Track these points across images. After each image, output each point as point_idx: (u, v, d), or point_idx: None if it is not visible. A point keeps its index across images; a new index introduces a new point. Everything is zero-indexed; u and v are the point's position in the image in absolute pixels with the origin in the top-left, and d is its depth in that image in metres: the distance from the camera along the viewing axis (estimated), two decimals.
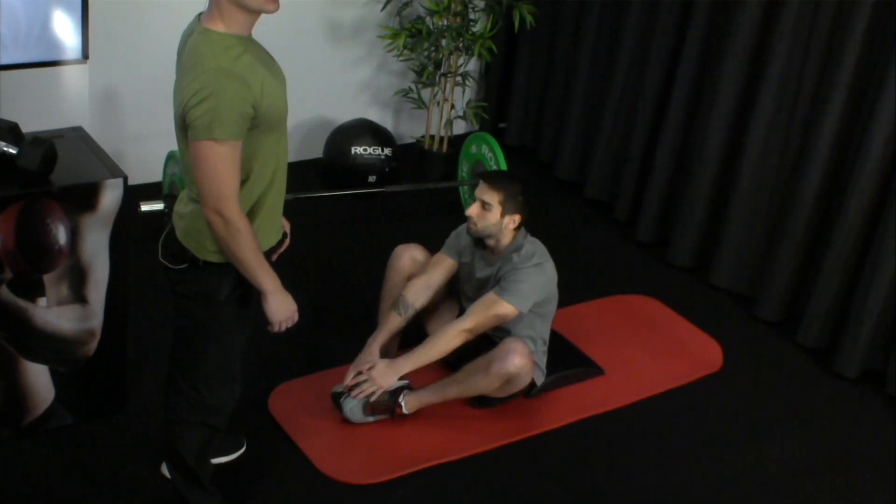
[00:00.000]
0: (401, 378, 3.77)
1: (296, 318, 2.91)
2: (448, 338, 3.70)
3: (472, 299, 3.87)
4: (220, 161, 2.58)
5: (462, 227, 3.95)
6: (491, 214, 3.70)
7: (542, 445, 3.78)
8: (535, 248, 3.79)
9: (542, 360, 3.90)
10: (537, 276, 3.73)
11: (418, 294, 3.88)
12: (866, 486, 3.78)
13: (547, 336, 3.91)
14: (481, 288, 3.84)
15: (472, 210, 3.73)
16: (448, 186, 5.50)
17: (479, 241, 3.84)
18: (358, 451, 3.61)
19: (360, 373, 3.70)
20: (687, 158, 5.09)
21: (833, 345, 4.49)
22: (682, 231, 5.09)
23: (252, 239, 2.68)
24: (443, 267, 3.93)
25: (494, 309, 3.70)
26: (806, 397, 4.27)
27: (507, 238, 3.76)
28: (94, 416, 3.60)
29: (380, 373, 3.68)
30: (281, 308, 2.84)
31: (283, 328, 2.89)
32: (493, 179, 3.75)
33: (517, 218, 3.74)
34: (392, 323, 3.86)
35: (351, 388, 3.69)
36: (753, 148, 4.71)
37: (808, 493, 3.71)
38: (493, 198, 3.69)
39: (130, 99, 5.05)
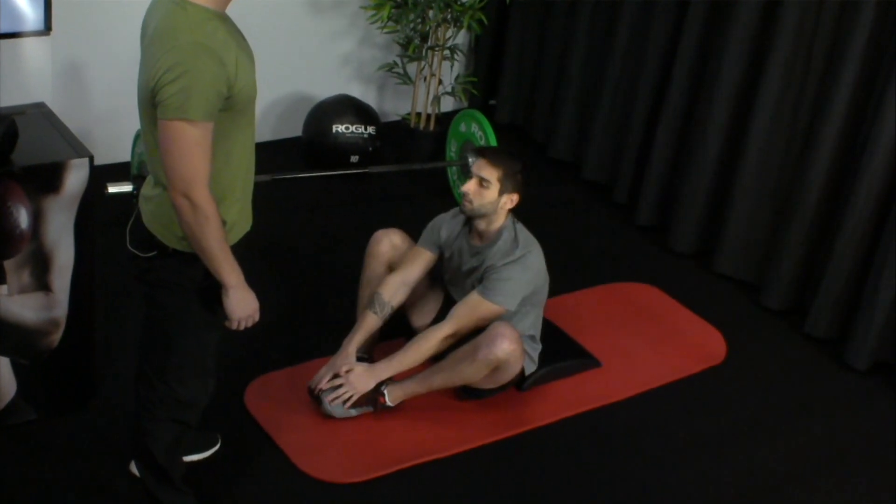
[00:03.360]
0: None
1: (257, 317, 2.89)
2: (430, 344, 3.70)
3: (458, 289, 3.87)
4: (192, 143, 2.57)
5: (439, 218, 3.94)
6: (488, 192, 3.69)
7: (534, 441, 3.79)
8: (520, 237, 3.77)
9: (535, 351, 3.91)
10: (522, 271, 3.72)
11: (394, 292, 3.86)
12: (877, 482, 3.80)
13: (539, 325, 3.92)
14: (467, 279, 3.84)
15: (469, 186, 3.71)
16: (435, 167, 5.50)
17: (466, 226, 3.84)
18: (339, 447, 3.62)
19: (336, 375, 3.69)
20: (690, 138, 5.10)
21: (843, 335, 4.51)
22: (683, 215, 5.10)
23: (219, 228, 2.67)
24: (420, 261, 3.91)
25: (479, 311, 3.70)
26: (814, 390, 4.29)
27: (499, 220, 3.76)
28: (59, 412, 3.59)
29: (357, 377, 3.68)
30: (241, 305, 2.82)
31: (243, 326, 2.88)
32: (494, 155, 3.74)
33: (514, 197, 3.73)
34: (368, 322, 3.84)
35: (326, 390, 3.69)
36: (759, 127, 4.71)
37: (817, 491, 3.73)
38: (492, 174, 3.68)
39: (96, 74, 5.03)
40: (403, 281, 3.88)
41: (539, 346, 3.94)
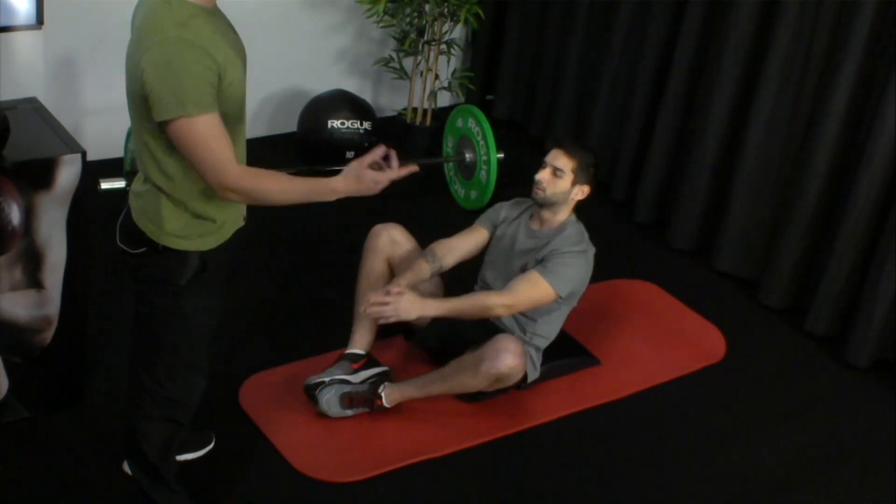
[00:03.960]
0: (382, 364, 3.82)
1: (382, 177, 2.79)
2: (488, 304, 3.70)
3: (499, 271, 3.90)
4: (202, 137, 2.56)
5: (506, 203, 4.03)
6: (562, 182, 3.77)
7: (532, 440, 3.78)
8: (583, 233, 3.85)
9: (539, 360, 3.91)
10: (581, 263, 3.80)
11: (447, 252, 3.91)
12: (879, 480, 3.80)
13: (557, 329, 3.94)
14: (518, 260, 3.86)
15: (543, 175, 3.79)
16: (432, 163, 5.49)
17: (528, 209, 3.92)
18: (335, 446, 3.62)
19: (387, 293, 3.65)
20: (688, 134, 5.09)
21: (843, 333, 4.51)
22: (682, 212, 5.10)
23: (274, 181, 2.67)
24: (474, 235, 3.98)
25: (537, 289, 3.72)
26: (814, 389, 4.29)
27: (566, 211, 3.84)
28: (51, 410, 3.59)
29: (407, 301, 3.61)
30: (361, 188, 2.77)
31: (380, 189, 2.81)
32: (569, 146, 3.82)
33: (586, 189, 3.82)
34: (420, 268, 3.85)
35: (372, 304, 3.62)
36: (759, 123, 4.71)
37: (817, 489, 3.73)
38: (566, 164, 3.77)
39: (89, 68, 5.02)
40: (457, 246, 3.94)
41: (541, 347, 3.94)
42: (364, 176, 2.77)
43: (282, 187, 2.70)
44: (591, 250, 3.86)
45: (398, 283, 3.75)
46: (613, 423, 3.92)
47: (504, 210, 4.01)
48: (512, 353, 3.65)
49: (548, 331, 3.91)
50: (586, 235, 3.87)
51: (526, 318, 3.85)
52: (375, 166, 2.79)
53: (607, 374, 4.15)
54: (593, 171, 3.83)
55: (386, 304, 3.59)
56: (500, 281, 3.89)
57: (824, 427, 4.06)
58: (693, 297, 4.73)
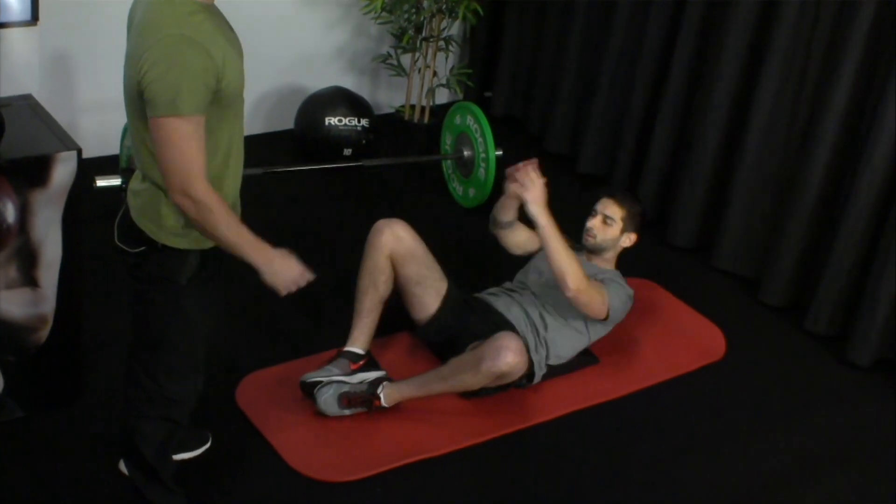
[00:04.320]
0: (381, 365, 3.84)
1: (306, 275, 2.85)
2: (571, 264, 3.79)
3: (547, 276, 3.99)
4: (185, 138, 2.56)
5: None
6: (611, 230, 4.06)
7: (531, 440, 3.78)
8: (623, 279, 4.10)
9: (543, 361, 3.94)
10: (624, 298, 4.02)
11: (513, 217, 4.11)
12: (880, 481, 3.80)
13: (565, 357, 4.04)
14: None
15: (594, 223, 4.07)
16: (430, 160, 5.49)
17: (584, 252, 4.12)
18: (333, 445, 3.61)
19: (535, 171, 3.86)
20: (688, 131, 5.09)
21: (844, 332, 4.51)
22: (682, 209, 5.09)
23: (227, 215, 2.66)
24: (529, 234, 4.14)
25: (601, 296, 3.90)
26: (815, 388, 4.29)
27: (612, 258, 4.14)
28: (47, 409, 3.58)
29: (540, 189, 3.84)
30: (279, 276, 2.80)
31: (294, 289, 2.85)
32: (620, 196, 4.10)
33: (633, 237, 4.10)
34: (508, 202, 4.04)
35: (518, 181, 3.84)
36: (759, 120, 4.71)
37: (818, 490, 3.73)
38: (616, 213, 4.05)
39: (85, 65, 5.02)
40: (521, 227, 4.15)
41: (552, 363, 4.01)
42: (292, 266, 2.82)
43: (229, 223, 2.68)
44: (630, 295, 4.07)
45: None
46: (612, 422, 3.92)
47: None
48: (513, 351, 3.65)
49: (561, 349, 3.99)
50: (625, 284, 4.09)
51: (545, 326, 3.94)
52: None
53: (606, 372, 4.15)
54: (640, 220, 4.11)
55: (534, 182, 3.82)
56: (540, 287, 4.03)
57: (825, 427, 4.05)
58: (693, 295, 4.73)
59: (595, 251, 4.10)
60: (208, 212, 2.62)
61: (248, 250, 2.73)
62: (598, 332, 4.05)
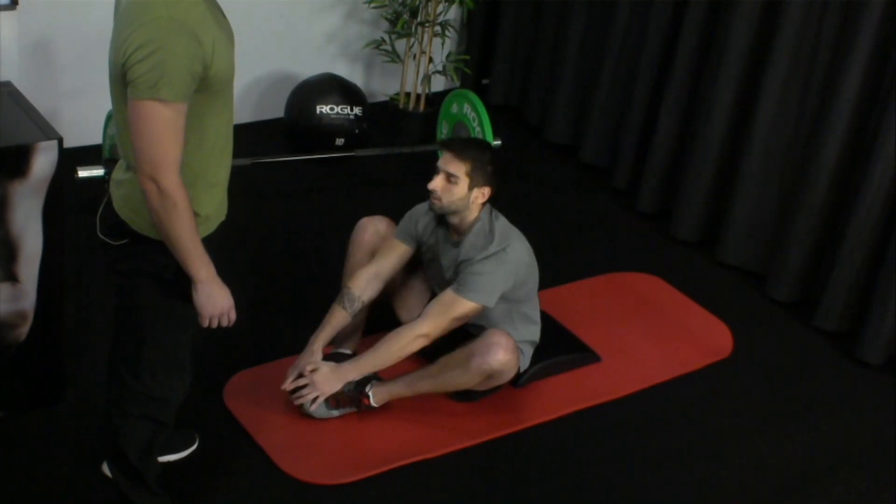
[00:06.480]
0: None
1: (232, 315, 2.86)
2: (402, 343, 3.63)
3: (438, 284, 3.86)
4: (163, 124, 2.55)
5: (417, 209, 3.90)
6: (457, 188, 3.63)
7: (530, 441, 3.78)
8: (497, 230, 3.71)
9: (528, 350, 3.91)
10: (498, 265, 3.66)
11: (366, 286, 3.82)
12: (891, 481, 3.80)
13: (535, 316, 3.91)
14: (445, 272, 3.82)
15: (436, 183, 3.65)
16: (426, 150, 5.48)
17: (442, 219, 3.79)
18: (324, 447, 3.61)
19: (301, 375, 3.66)
20: (693, 120, 5.09)
21: (855, 328, 4.51)
22: (686, 201, 5.09)
23: (189, 217, 2.65)
24: (394, 254, 3.87)
25: (454, 310, 3.64)
26: (824, 386, 4.30)
27: (473, 214, 3.70)
28: (28, 409, 3.58)
29: (323, 377, 3.62)
30: (212, 301, 2.80)
31: (215, 324, 2.86)
32: (459, 148, 3.67)
33: (486, 191, 3.67)
34: (336, 318, 3.79)
35: (292, 392, 3.66)
36: (766, 108, 4.71)
37: (827, 491, 3.73)
38: (458, 169, 3.62)
39: (66, 51, 5.01)
40: (376, 274, 3.84)
41: (533, 340, 3.92)
42: (226, 298, 2.81)
43: (188, 226, 2.66)
44: (514, 246, 3.70)
45: (312, 352, 3.70)
46: (614, 422, 3.92)
47: (421, 219, 3.87)
48: (504, 348, 3.63)
49: (530, 327, 3.88)
50: (499, 228, 3.71)
51: (508, 316, 3.82)
52: None
53: (608, 371, 4.15)
54: (491, 170, 3.66)
55: (303, 388, 3.61)
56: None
57: (835, 426, 4.06)
58: (698, 290, 4.73)
59: (446, 213, 3.69)
60: (172, 206, 2.61)
61: (196, 260, 2.72)
62: (522, 296, 3.80)
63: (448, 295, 3.66)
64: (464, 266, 3.68)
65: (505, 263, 3.67)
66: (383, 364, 3.67)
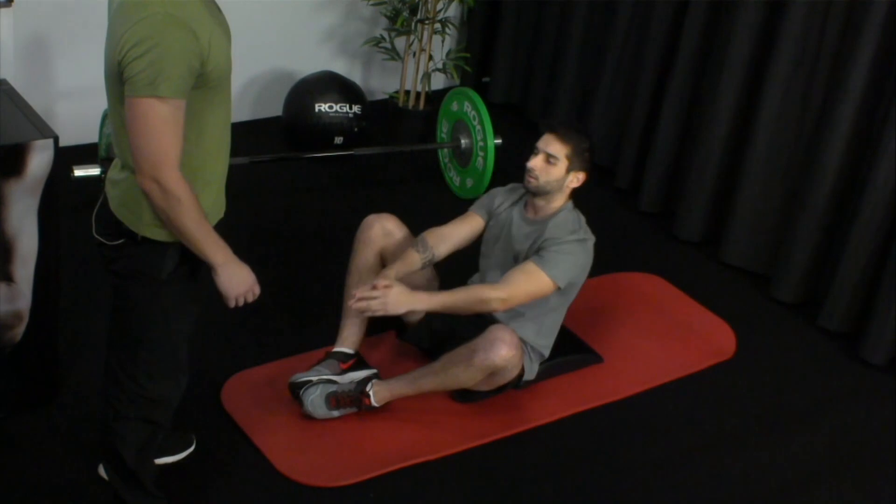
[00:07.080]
0: (371, 366, 3.80)
1: (256, 290, 2.91)
2: (482, 298, 3.66)
3: (495, 261, 3.89)
4: (162, 122, 2.55)
5: (501, 189, 4.00)
6: (555, 169, 3.74)
7: (532, 442, 3.78)
8: (580, 220, 3.84)
9: (537, 356, 3.91)
10: (581, 251, 3.77)
11: (439, 241, 3.89)
12: (895, 481, 3.80)
13: (555, 331, 3.93)
14: (513, 250, 3.85)
15: (535, 163, 3.75)
16: (425, 149, 5.48)
17: (520, 200, 3.90)
18: (323, 449, 3.61)
19: (374, 287, 3.62)
20: (696, 119, 5.09)
21: (858, 329, 4.51)
22: (689, 201, 5.09)
23: (195, 208, 2.66)
24: (468, 224, 3.96)
25: (532, 282, 3.69)
26: (828, 387, 4.29)
27: (561, 199, 3.81)
28: (22, 410, 3.57)
29: (396, 295, 3.59)
30: (234, 281, 2.83)
31: (242, 303, 2.89)
32: (563, 130, 3.77)
33: (581, 176, 3.79)
34: (410, 259, 3.83)
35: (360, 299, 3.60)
36: (770, 107, 4.70)
37: (831, 492, 3.73)
38: (560, 151, 3.73)
39: (61, 48, 5.00)
40: (449, 235, 3.92)
41: (544, 353, 3.93)
42: (248, 275, 2.86)
43: (196, 216, 2.67)
44: (591, 239, 3.84)
45: (386, 274, 3.73)
46: (617, 424, 3.92)
47: (499, 196, 3.99)
48: (507, 344, 3.63)
49: (547, 339, 3.91)
50: (584, 223, 3.85)
51: (523, 319, 3.83)
52: None
53: (610, 372, 4.15)
54: (588, 156, 3.79)
55: (373, 297, 3.58)
56: (496, 271, 3.88)
57: (839, 427, 4.06)
58: (701, 290, 4.73)
59: (539, 194, 3.79)
60: (177, 201, 2.62)
61: (210, 247, 2.74)
62: (568, 295, 3.87)
63: (530, 266, 3.71)
64: (549, 243, 3.73)
65: (586, 253, 3.79)
66: (456, 308, 3.68)
